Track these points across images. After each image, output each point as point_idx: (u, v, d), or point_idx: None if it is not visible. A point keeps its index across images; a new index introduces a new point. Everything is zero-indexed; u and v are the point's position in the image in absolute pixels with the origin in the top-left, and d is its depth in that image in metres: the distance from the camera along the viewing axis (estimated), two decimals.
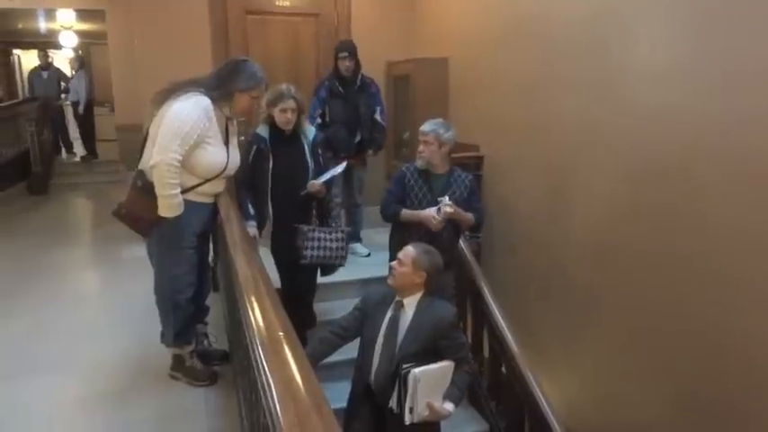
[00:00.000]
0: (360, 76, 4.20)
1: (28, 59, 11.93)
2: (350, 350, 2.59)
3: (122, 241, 4.73)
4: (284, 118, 3.05)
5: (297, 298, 3.23)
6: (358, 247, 4.38)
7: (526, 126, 3.96)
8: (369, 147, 4.30)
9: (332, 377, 2.94)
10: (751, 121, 2.46)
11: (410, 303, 2.45)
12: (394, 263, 2.49)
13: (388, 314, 2.46)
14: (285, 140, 3.12)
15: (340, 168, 3.19)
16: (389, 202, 3.15)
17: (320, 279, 3.38)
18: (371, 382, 2.45)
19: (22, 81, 11.71)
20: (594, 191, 3.37)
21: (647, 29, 2.97)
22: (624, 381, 3.21)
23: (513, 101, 4.09)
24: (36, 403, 2.58)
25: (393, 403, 2.35)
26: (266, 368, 1.04)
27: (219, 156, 2.56)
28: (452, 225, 3.10)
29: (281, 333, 1.17)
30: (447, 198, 2.97)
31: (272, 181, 3.11)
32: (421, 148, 3.06)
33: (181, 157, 2.39)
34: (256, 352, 1.15)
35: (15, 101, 9.00)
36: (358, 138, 4.21)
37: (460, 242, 3.39)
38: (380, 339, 2.44)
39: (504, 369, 3.25)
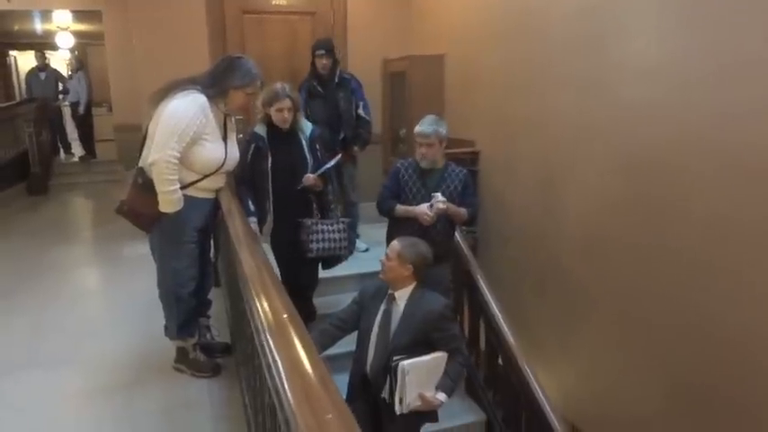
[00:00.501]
0: (338, 73, 4.17)
1: (24, 61, 11.93)
2: (351, 343, 2.65)
3: (122, 239, 4.80)
4: (281, 117, 3.10)
5: (297, 292, 3.29)
6: (357, 242, 4.43)
7: (522, 121, 4.01)
8: (354, 143, 4.25)
9: (333, 369, 2.98)
10: (743, 115, 2.50)
11: (402, 296, 2.51)
12: (383, 257, 2.57)
13: (382, 307, 2.53)
14: (283, 138, 3.17)
15: (333, 161, 3.24)
16: (385, 198, 3.20)
17: (325, 272, 3.44)
18: (368, 373, 2.52)
19: (19, 82, 11.72)
20: (589, 185, 3.42)
21: (642, 24, 3.01)
22: (620, 373, 3.26)
23: (509, 97, 4.14)
24: (42, 397, 2.63)
25: (386, 394, 2.42)
26: (273, 348, 1.10)
27: (217, 152, 2.61)
28: (447, 219, 3.16)
29: (285, 316, 1.22)
30: (440, 194, 3.02)
31: (272, 178, 3.15)
32: (424, 150, 3.07)
33: (179, 154, 2.45)
34: (263, 335, 1.21)
35: (13, 102, 9.02)
36: (341, 135, 4.18)
37: (456, 235, 3.44)
38: (375, 331, 2.51)
39: (500, 360, 3.30)
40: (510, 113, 4.14)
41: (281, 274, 3.24)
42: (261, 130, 3.18)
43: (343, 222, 3.28)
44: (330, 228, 3.20)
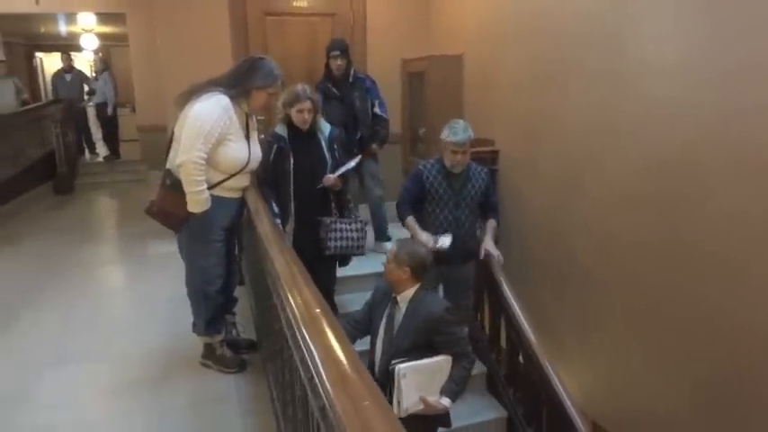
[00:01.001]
0: (351, 73, 4.19)
1: (50, 62, 12.19)
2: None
3: (147, 238, 4.91)
4: (301, 118, 3.15)
5: (321, 290, 3.34)
6: (389, 245, 4.43)
7: (540, 120, 4.02)
8: (372, 141, 4.26)
9: None
10: (759, 113, 2.50)
11: (403, 299, 2.51)
12: (385, 261, 2.59)
13: (387, 310, 2.54)
14: (303, 138, 3.22)
15: (353, 162, 3.29)
16: (404, 201, 3.25)
17: (345, 272, 3.52)
18: (376, 375, 2.52)
19: (45, 83, 11.96)
20: (609, 184, 3.43)
21: (657, 22, 3.02)
22: (641, 370, 3.27)
23: (528, 96, 4.15)
24: (73, 393, 2.72)
25: (388, 397, 2.41)
26: (307, 338, 1.14)
27: (242, 151, 2.67)
28: (476, 215, 3.20)
29: (318, 310, 1.27)
30: (449, 238, 3.06)
31: (294, 178, 3.21)
32: (459, 158, 3.10)
33: (205, 155, 2.51)
34: (296, 327, 1.26)
35: (41, 103, 9.21)
36: (358, 135, 4.20)
37: (477, 233, 3.47)
38: (380, 334, 2.53)
39: (521, 358, 3.33)
40: (529, 112, 4.15)
41: None
42: (282, 130, 3.24)
43: (360, 222, 3.33)
44: (348, 227, 3.26)
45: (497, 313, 3.53)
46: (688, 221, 2.90)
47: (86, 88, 9.19)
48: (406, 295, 2.50)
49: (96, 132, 9.70)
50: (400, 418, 2.32)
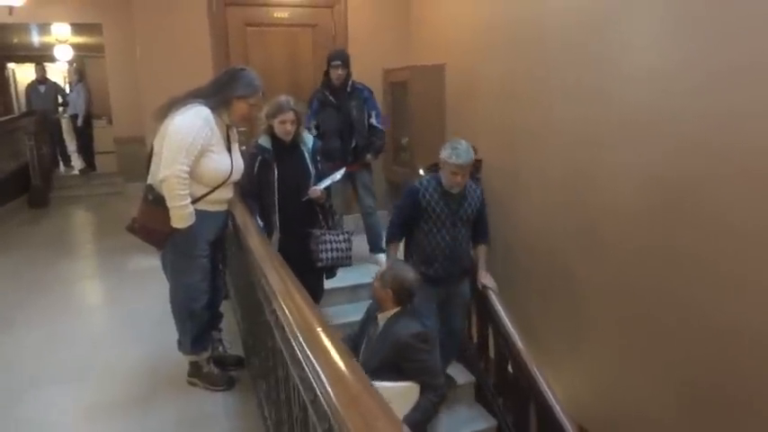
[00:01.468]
0: (350, 83, 4.22)
1: (22, 73, 11.96)
2: None
3: (126, 253, 4.81)
4: (284, 129, 3.14)
5: None
6: (381, 257, 4.40)
7: (523, 130, 4.06)
8: (367, 151, 4.29)
9: None
10: (744, 118, 2.55)
11: (382, 319, 2.52)
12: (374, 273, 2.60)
13: (371, 328, 2.56)
14: (286, 150, 3.21)
15: (339, 174, 3.29)
16: (397, 222, 3.21)
17: (330, 284, 3.49)
18: None
19: (17, 95, 11.72)
20: (593, 192, 3.46)
21: (639, 31, 3.07)
22: (627, 374, 3.30)
23: (510, 105, 4.18)
24: (54, 413, 2.64)
25: None
26: (311, 357, 1.11)
27: (224, 163, 2.63)
28: (469, 232, 3.22)
29: (319, 328, 1.24)
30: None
31: (279, 189, 3.19)
32: (459, 179, 3.03)
33: (188, 168, 2.47)
34: (295, 346, 1.23)
35: (14, 115, 9.02)
36: (353, 144, 4.22)
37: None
38: (362, 351, 2.54)
39: (510, 366, 3.33)
40: (511, 122, 4.18)
41: None
42: (266, 142, 3.22)
43: (347, 233, 3.33)
44: (336, 238, 3.26)
45: (485, 322, 3.54)
46: (673, 227, 2.94)
47: (61, 99, 9.02)
48: (384, 315, 2.51)
49: (71, 144, 9.52)
50: None
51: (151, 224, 2.59)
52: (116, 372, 3.00)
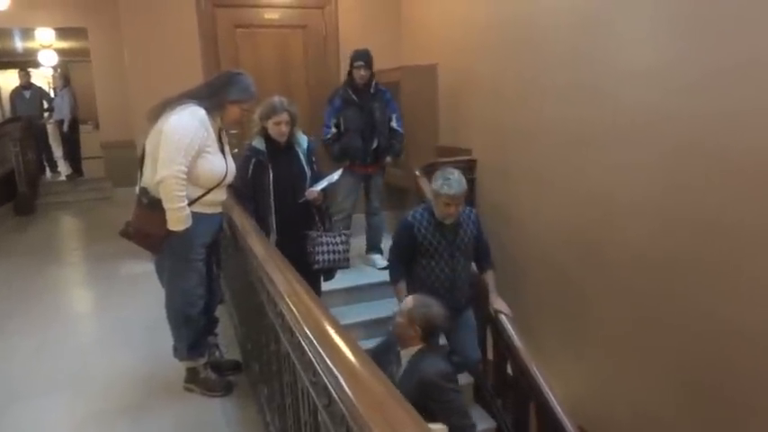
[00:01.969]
0: (374, 84, 4.21)
1: (5, 79, 11.78)
2: None
3: (117, 258, 4.74)
4: (278, 130, 3.11)
5: None
6: (377, 259, 4.41)
7: (517, 129, 4.05)
8: (387, 154, 4.29)
9: None
10: (738, 116, 2.56)
11: (405, 356, 2.44)
12: (396, 309, 2.52)
13: (391, 364, 2.47)
14: (281, 151, 3.18)
15: (336, 176, 3.26)
16: (397, 261, 3.12)
17: (328, 285, 3.44)
18: None
19: (1, 101, 11.55)
20: (585, 191, 3.46)
21: (633, 31, 3.07)
22: (625, 374, 3.29)
23: (504, 104, 4.18)
24: (47, 424, 2.58)
25: None
26: (328, 362, 1.07)
27: (219, 164, 2.60)
28: (470, 260, 3.18)
29: (333, 330, 1.20)
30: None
31: (274, 191, 3.15)
32: (452, 210, 2.94)
33: (186, 169, 2.42)
34: (309, 351, 1.18)
35: None
36: (374, 145, 4.21)
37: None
38: None
39: (509, 366, 3.31)
40: (505, 121, 4.18)
41: None
42: (259, 144, 3.18)
43: (344, 234, 3.30)
44: (333, 240, 3.23)
45: (483, 324, 3.51)
46: (670, 227, 2.94)
47: (46, 105, 8.90)
48: (408, 352, 2.43)
49: (57, 150, 9.39)
50: None
51: (147, 228, 2.54)
52: (110, 380, 2.93)
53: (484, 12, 4.34)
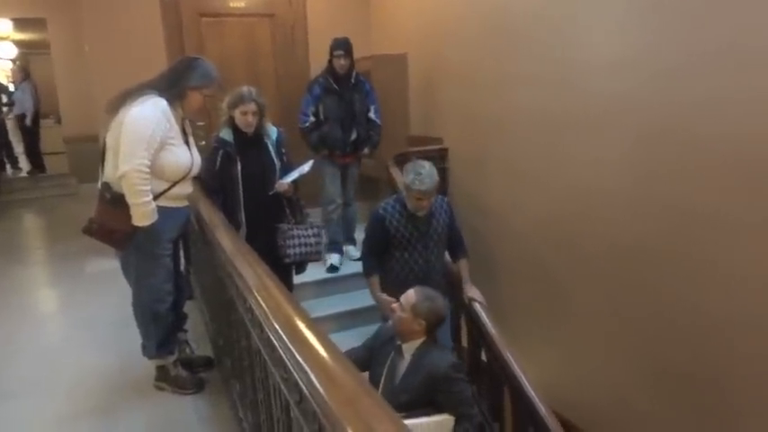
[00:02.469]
0: (354, 74, 4.16)
1: None
2: None
3: (82, 256, 4.63)
4: (245, 120, 3.05)
5: None
6: (351, 250, 4.40)
7: (489, 118, 4.05)
8: (365, 145, 4.24)
9: None
10: (710, 105, 2.58)
11: (408, 350, 2.40)
12: (396, 305, 2.46)
13: (390, 358, 2.43)
14: (249, 143, 3.12)
15: (307, 167, 3.21)
16: (370, 254, 3.09)
17: (300, 278, 3.41)
18: None
19: None
20: (558, 180, 3.48)
21: (605, 19, 3.08)
22: (600, 360, 3.34)
23: (474, 93, 4.18)
24: (19, 425, 2.50)
25: None
26: (298, 357, 1.04)
27: (184, 156, 2.53)
28: (444, 250, 3.15)
29: (302, 324, 1.17)
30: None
31: (243, 184, 3.10)
32: (425, 203, 2.92)
33: (149, 162, 2.35)
34: (279, 345, 1.15)
35: None
36: (354, 136, 4.17)
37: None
38: (382, 383, 2.40)
39: (483, 352, 3.32)
40: (476, 110, 4.18)
41: None
42: (227, 135, 3.12)
43: (316, 227, 3.26)
44: (305, 233, 3.19)
45: (457, 312, 3.52)
46: (645, 217, 2.96)
47: (6, 99, 8.59)
48: (411, 346, 2.40)
49: (18, 146, 9.09)
50: None
51: (111, 224, 2.45)
52: (78, 380, 2.86)
53: (453, 0, 4.32)
